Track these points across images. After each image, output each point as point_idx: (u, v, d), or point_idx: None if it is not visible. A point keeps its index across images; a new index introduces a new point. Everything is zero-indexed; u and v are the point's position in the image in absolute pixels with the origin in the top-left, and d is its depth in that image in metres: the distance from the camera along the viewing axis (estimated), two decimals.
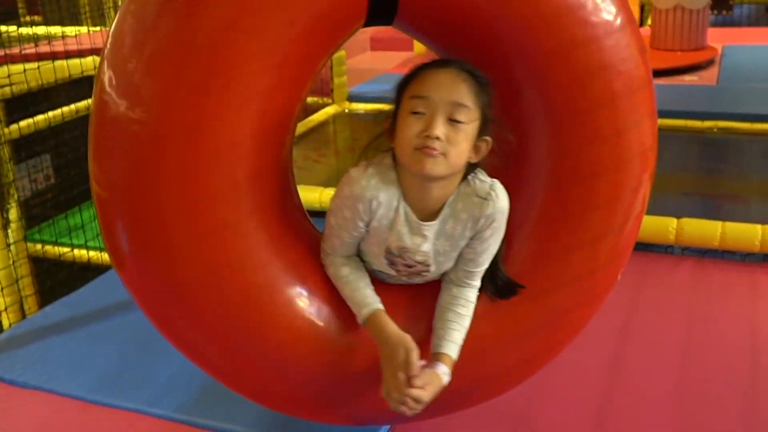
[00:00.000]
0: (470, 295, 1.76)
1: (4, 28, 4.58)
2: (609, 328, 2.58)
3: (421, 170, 1.58)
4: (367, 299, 1.73)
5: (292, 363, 1.79)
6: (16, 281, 4.03)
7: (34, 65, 3.69)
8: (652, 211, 3.18)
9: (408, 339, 1.64)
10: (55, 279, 4.51)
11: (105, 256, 4.62)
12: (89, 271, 4.29)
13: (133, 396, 2.34)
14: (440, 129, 1.55)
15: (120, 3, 5.36)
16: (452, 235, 1.70)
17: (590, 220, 1.82)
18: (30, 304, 4.28)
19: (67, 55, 3.81)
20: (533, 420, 2.17)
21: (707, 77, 5.59)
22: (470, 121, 1.58)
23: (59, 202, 5.34)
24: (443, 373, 1.66)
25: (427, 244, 1.72)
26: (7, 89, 4.51)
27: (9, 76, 3.55)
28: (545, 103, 1.79)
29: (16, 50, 3.77)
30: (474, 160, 1.65)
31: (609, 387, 2.29)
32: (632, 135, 1.80)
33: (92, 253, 4.65)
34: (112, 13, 5.52)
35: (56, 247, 4.77)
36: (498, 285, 1.80)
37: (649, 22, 6.94)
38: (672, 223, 3.08)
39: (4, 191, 4.47)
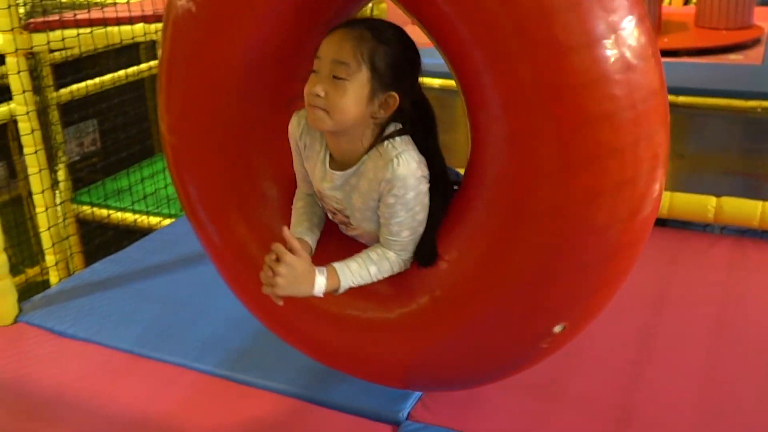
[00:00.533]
0: (389, 253, 1.78)
1: None
2: (642, 302, 2.61)
3: (310, 125, 1.71)
4: (297, 228, 1.88)
5: None
6: (67, 238, 4.15)
7: (87, 30, 3.76)
8: (691, 189, 3.22)
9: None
10: (100, 240, 4.63)
11: (150, 219, 4.74)
12: (133, 233, 4.41)
13: (176, 350, 2.42)
14: (319, 86, 1.65)
15: None
16: (362, 191, 1.76)
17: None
18: (76, 262, 4.40)
19: (118, 21, 3.88)
20: (563, 390, 2.20)
21: (753, 56, 5.50)
22: (350, 76, 1.63)
23: (104, 166, 5.46)
24: (320, 271, 1.71)
25: (337, 193, 1.80)
26: (57, 54, 4.63)
27: (63, 39, 3.62)
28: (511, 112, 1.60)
29: (69, 15, 3.84)
30: (382, 115, 1.70)
31: (640, 359, 2.33)
32: (640, 149, 1.60)
33: (136, 216, 4.78)
34: None
35: (103, 210, 4.90)
36: (419, 252, 1.80)
37: None
38: (711, 201, 3.08)
39: (53, 153, 4.58)
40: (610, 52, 1.51)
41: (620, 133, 1.55)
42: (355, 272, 1.76)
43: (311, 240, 1.88)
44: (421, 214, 1.75)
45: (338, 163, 1.79)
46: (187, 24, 1.85)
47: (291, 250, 1.66)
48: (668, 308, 2.60)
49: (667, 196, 3.12)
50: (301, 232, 1.87)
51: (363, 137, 1.73)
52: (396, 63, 1.68)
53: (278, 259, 1.64)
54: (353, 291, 1.79)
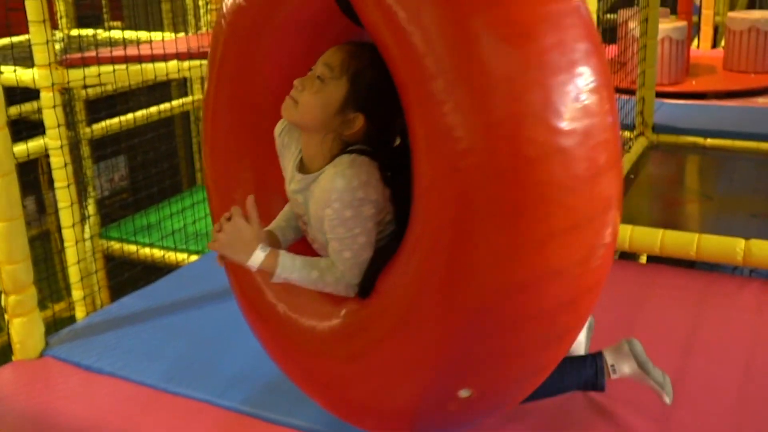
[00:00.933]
0: (336, 269, 1.76)
1: (91, 31, 4.76)
2: (671, 344, 2.58)
3: (281, 112, 1.78)
4: (273, 224, 1.95)
5: None
6: (95, 273, 4.19)
7: (122, 67, 3.84)
8: (719, 231, 3.19)
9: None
10: (127, 276, 4.67)
11: (177, 256, 4.77)
12: (159, 270, 4.44)
13: (201, 387, 2.42)
14: (301, 79, 1.74)
15: (201, 11, 5.54)
16: (315, 199, 1.77)
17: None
18: (102, 298, 4.44)
19: (152, 58, 3.95)
20: (591, 430, 2.18)
21: None
22: (328, 79, 1.71)
23: (134, 202, 5.52)
24: (263, 248, 1.74)
25: (299, 196, 1.84)
26: (90, 90, 4.72)
27: (99, 75, 3.70)
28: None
29: (105, 52, 3.92)
30: (345, 131, 1.74)
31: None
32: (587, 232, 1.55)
33: (163, 252, 4.82)
34: (193, 21, 5.70)
35: (131, 245, 4.94)
36: (361, 283, 1.79)
37: (723, 43, 6.85)
38: (740, 243, 3.05)
39: (83, 188, 4.65)
40: (567, 123, 1.45)
41: (568, 214, 1.49)
42: (297, 267, 1.76)
43: (281, 236, 1.93)
44: (361, 238, 1.73)
45: (306, 168, 1.84)
46: (218, 45, 1.97)
47: (247, 218, 1.73)
48: (697, 351, 2.56)
49: (695, 238, 3.10)
50: (274, 228, 1.94)
51: (326, 146, 1.76)
52: (378, 90, 1.71)
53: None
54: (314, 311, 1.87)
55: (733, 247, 3.05)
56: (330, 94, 1.72)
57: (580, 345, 2.31)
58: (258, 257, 1.73)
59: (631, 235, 3.19)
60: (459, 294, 1.57)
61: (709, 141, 4.57)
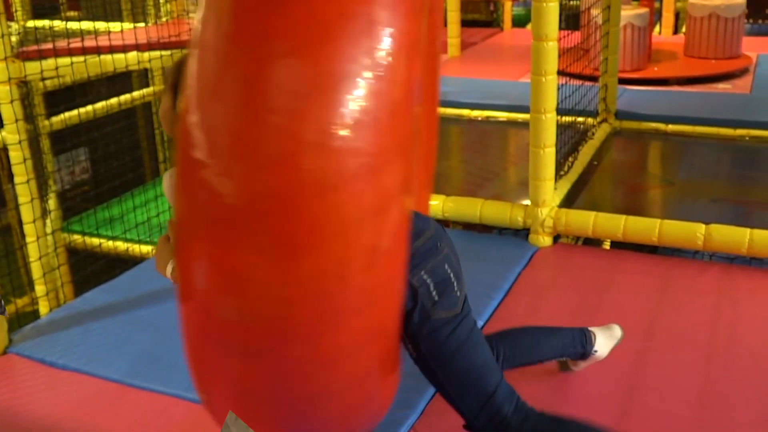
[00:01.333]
0: None
1: (48, 22, 4.67)
2: (634, 328, 2.61)
3: None
4: None
5: None
6: (57, 268, 4.13)
7: (80, 59, 3.78)
8: (680, 216, 3.24)
9: None
10: (91, 270, 4.62)
11: (142, 248, 4.73)
12: (124, 262, 4.40)
13: (168, 380, 2.41)
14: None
15: (161, 0, 5.47)
16: None
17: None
18: (66, 292, 4.38)
19: (111, 49, 3.89)
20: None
21: (741, 86, 5.57)
22: (163, 95, 1.77)
23: (96, 195, 5.46)
24: (172, 262, 1.77)
25: None
26: (48, 82, 4.64)
27: (57, 68, 3.64)
28: None
29: (62, 44, 3.85)
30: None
31: (632, 384, 2.32)
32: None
33: (127, 245, 4.77)
34: (153, 11, 5.63)
35: (94, 238, 4.88)
36: None
37: (684, 29, 6.93)
38: (700, 228, 3.10)
39: (44, 182, 4.58)
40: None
41: (343, 251, 1.40)
42: None
43: None
44: None
45: None
46: None
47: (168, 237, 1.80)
48: (659, 334, 2.60)
49: (657, 223, 3.14)
50: None
51: None
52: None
53: None
54: None
55: (694, 232, 3.09)
56: (164, 104, 1.77)
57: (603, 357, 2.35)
58: (169, 270, 1.79)
59: (594, 221, 3.23)
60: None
61: (671, 127, 4.63)
